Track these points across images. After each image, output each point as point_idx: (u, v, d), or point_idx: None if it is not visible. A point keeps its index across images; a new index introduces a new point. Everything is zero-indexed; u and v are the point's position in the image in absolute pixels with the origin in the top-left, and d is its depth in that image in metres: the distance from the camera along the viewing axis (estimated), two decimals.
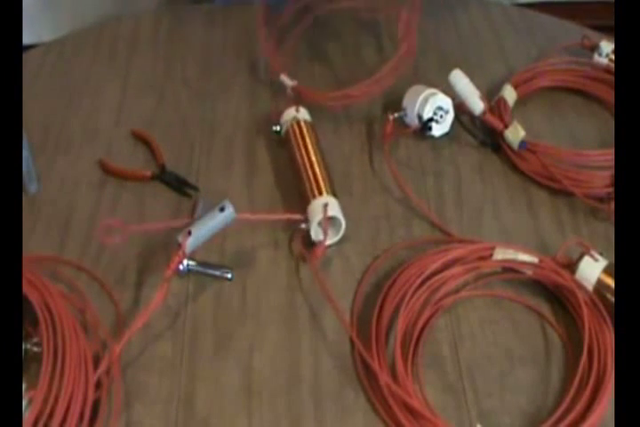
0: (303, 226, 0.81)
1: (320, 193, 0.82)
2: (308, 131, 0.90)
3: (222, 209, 0.75)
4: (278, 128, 0.92)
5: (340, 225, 0.81)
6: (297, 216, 0.81)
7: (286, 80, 0.97)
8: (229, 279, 0.78)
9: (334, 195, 0.83)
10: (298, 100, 0.95)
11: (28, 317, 0.70)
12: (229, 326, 0.76)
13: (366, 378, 0.71)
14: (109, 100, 1.00)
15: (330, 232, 0.81)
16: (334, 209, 0.80)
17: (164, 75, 1.05)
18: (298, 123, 0.90)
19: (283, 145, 0.92)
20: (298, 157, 0.88)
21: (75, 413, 0.64)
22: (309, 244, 0.81)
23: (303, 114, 0.92)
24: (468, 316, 0.77)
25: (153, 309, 0.71)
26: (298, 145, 0.88)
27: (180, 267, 0.76)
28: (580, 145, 0.93)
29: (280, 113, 0.93)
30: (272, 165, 0.92)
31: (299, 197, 0.85)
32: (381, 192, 0.89)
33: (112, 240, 0.75)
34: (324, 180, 0.84)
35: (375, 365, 0.69)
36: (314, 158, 0.86)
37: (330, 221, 0.81)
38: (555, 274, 0.76)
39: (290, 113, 0.92)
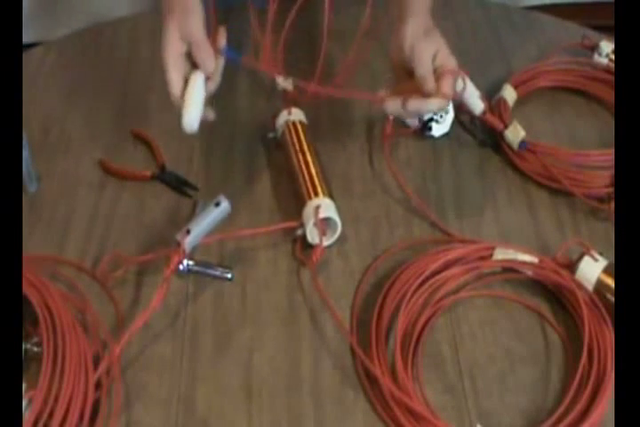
0: (299, 232, 0.81)
1: (316, 194, 0.82)
2: (301, 132, 0.89)
3: (217, 204, 0.76)
4: (272, 134, 0.92)
5: (336, 225, 0.81)
6: (292, 224, 0.81)
7: (280, 81, 0.97)
8: (229, 279, 0.78)
9: (329, 195, 0.83)
10: (295, 100, 0.95)
11: (28, 317, 0.70)
12: (229, 326, 0.76)
13: (366, 379, 0.71)
14: (109, 100, 1.00)
15: (327, 233, 0.81)
16: (328, 210, 0.80)
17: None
18: (291, 125, 0.90)
19: (280, 146, 0.92)
20: (292, 159, 0.87)
21: (75, 413, 0.64)
22: (308, 246, 0.81)
23: (297, 115, 0.92)
24: (468, 316, 0.77)
25: (153, 309, 0.71)
26: (293, 147, 0.88)
27: (180, 267, 0.76)
28: (579, 145, 0.93)
29: (275, 116, 0.93)
30: (271, 166, 0.92)
31: (296, 198, 0.85)
32: (381, 192, 0.89)
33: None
34: (318, 181, 0.84)
35: (377, 371, 0.69)
36: (308, 160, 0.86)
37: (326, 222, 0.81)
38: (555, 274, 0.76)
39: (283, 116, 0.91)
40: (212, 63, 0.77)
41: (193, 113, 0.75)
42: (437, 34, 0.80)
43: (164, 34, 0.76)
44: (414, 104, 0.76)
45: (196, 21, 0.77)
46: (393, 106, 0.77)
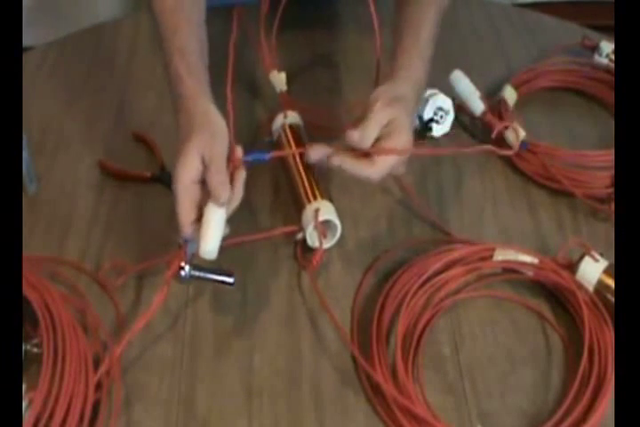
0: (299, 236, 0.81)
1: (314, 197, 0.82)
2: (297, 136, 0.89)
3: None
4: (269, 138, 0.92)
5: (336, 227, 0.81)
6: (292, 228, 0.81)
7: (274, 75, 0.96)
8: (231, 284, 0.77)
9: (329, 197, 0.83)
10: (289, 102, 0.95)
11: (28, 318, 0.70)
12: (229, 327, 0.76)
13: (367, 380, 0.71)
14: (109, 100, 1.00)
15: (327, 235, 0.81)
16: (327, 213, 0.80)
17: (164, 75, 1.04)
18: (287, 128, 0.90)
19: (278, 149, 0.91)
20: (290, 162, 0.87)
21: (75, 413, 0.64)
22: (308, 250, 0.81)
23: (292, 118, 0.91)
24: (469, 316, 0.77)
25: (154, 310, 0.71)
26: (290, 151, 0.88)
27: (182, 273, 0.74)
28: (579, 145, 0.93)
29: (271, 120, 0.92)
30: (270, 169, 0.91)
31: (295, 202, 0.84)
32: (382, 193, 0.89)
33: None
34: (316, 184, 0.83)
35: (379, 377, 0.69)
36: (306, 163, 0.86)
37: (326, 225, 0.80)
38: (555, 274, 0.76)
39: (278, 120, 0.91)
40: (226, 194, 0.68)
41: (212, 243, 0.68)
42: (406, 107, 0.74)
43: (183, 156, 0.69)
44: (338, 160, 0.71)
45: (221, 146, 0.70)
46: (315, 154, 0.72)
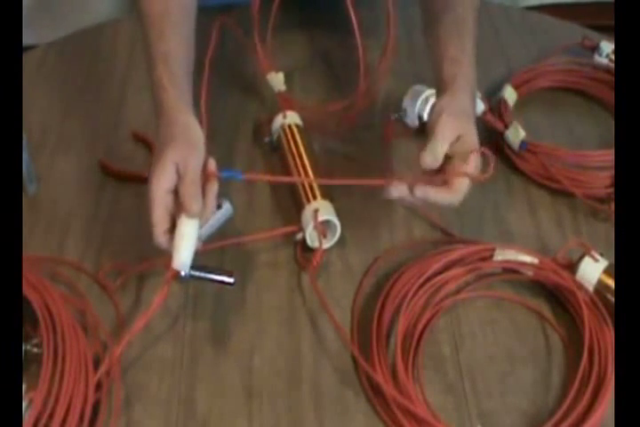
0: (299, 236, 0.81)
1: (314, 197, 0.82)
2: (296, 136, 0.89)
3: (219, 206, 0.75)
4: (268, 139, 0.92)
5: (336, 227, 0.81)
6: (291, 228, 0.81)
7: (272, 76, 0.96)
8: (231, 284, 0.77)
9: (328, 197, 0.83)
10: (288, 103, 0.94)
11: (28, 318, 0.70)
12: (229, 327, 0.76)
13: (367, 380, 0.71)
14: (109, 100, 1.00)
15: (327, 235, 0.81)
16: (326, 213, 0.80)
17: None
18: (287, 128, 0.90)
19: (277, 150, 0.91)
20: (289, 163, 0.87)
21: (75, 413, 0.64)
22: (308, 250, 0.81)
23: (292, 118, 0.91)
24: (469, 316, 0.77)
25: (154, 310, 0.71)
26: (289, 151, 0.88)
27: (182, 273, 0.74)
28: (580, 145, 0.93)
29: (270, 120, 0.92)
30: (269, 170, 0.91)
31: (295, 202, 0.84)
32: (381, 193, 0.89)
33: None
34: (316, 184, 0.83)
35: (379, 378, 0.69)
36: (305, 163, 0.86)
37: (325, 224, 0.80)
38: (555, 275, 0.76)
39: (278, 120, 0.91)
40: (197, 207, 0.68)
41: (184, 255, 0.69)
42: (471, 120, 0.73)
43: (160, 164, 0.68)
44: (422, 191, 0.69)
45: (198, 159, 0.70)
46: (397, 192, 0.70)
